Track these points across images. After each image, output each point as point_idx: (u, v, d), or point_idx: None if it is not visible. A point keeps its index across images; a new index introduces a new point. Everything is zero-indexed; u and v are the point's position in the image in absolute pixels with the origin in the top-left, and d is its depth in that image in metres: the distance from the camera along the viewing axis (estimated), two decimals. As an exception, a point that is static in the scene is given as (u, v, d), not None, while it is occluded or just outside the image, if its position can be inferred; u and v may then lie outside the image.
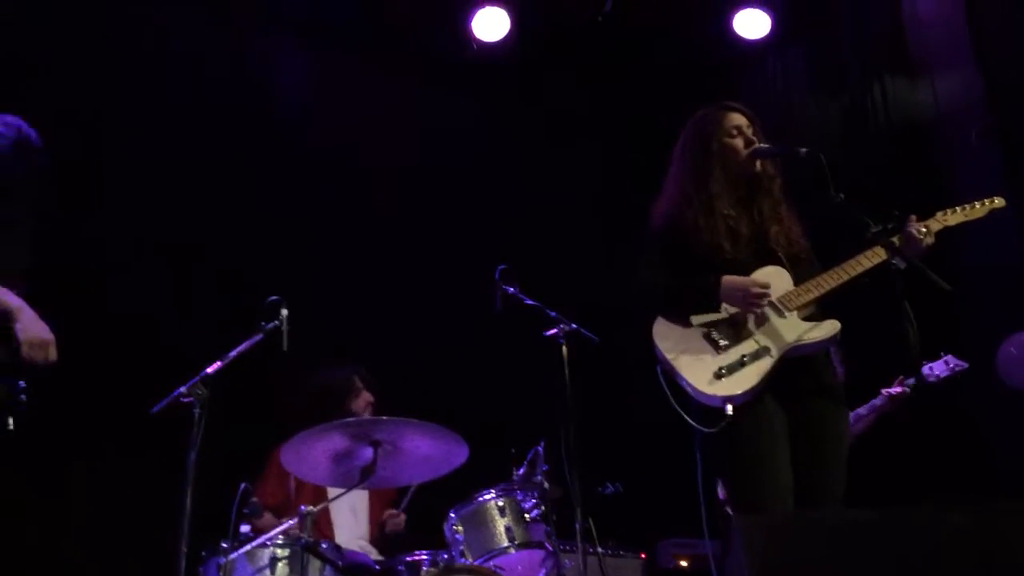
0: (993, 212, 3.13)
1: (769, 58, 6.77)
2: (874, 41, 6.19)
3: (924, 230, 2.94)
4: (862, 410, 4.66)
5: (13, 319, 2.93)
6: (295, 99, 6.21)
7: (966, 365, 4.54)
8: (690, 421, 2.86)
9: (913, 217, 2.96)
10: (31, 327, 2.95)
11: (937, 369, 4.51)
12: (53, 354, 3.06)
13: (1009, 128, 5.31)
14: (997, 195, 3.16)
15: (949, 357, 4.54)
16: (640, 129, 6.64)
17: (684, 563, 5.32)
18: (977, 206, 3.12)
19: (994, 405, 5.04)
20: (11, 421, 2.99)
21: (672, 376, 2.91)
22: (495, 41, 6.51)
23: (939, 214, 3.08)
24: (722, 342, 2.90)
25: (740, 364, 2.84)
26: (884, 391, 4.65)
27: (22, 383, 3.08)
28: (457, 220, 6.32)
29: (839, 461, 2.87)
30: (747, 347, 2.88)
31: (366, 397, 4.58)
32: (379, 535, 4.52)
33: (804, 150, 2.94)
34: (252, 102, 6.01)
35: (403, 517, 4.46)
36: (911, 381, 4.56)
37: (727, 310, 2.94)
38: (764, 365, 2.83)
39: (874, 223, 2.80)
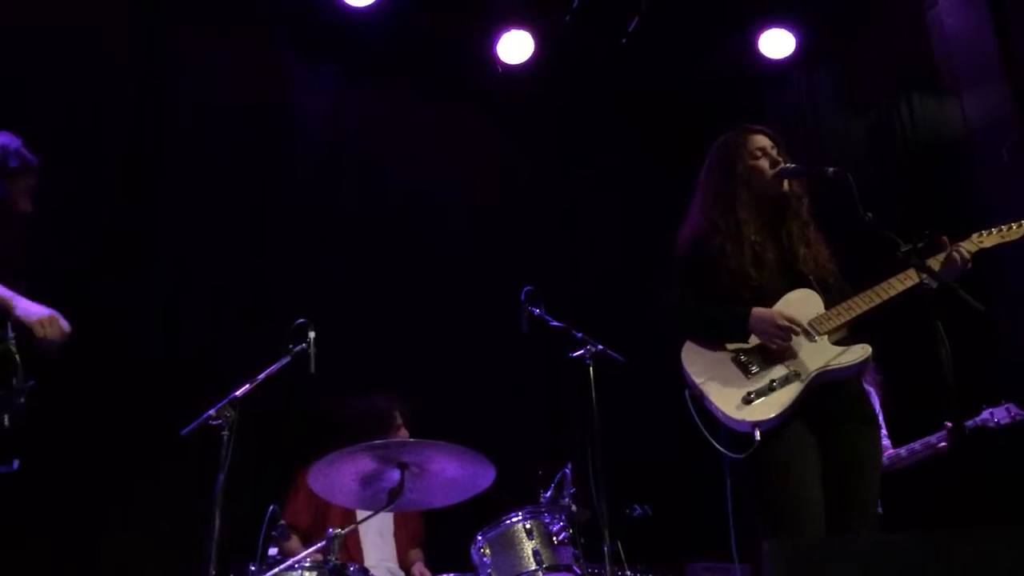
0: None
1: (794, 77, 6.76)
2: (901, 58, 6.16)
3: (967, 254, 2.90)
4: (916, 445, 4.59)
5: (11, 309, 2.97)
6: (324, 122, 6.25)
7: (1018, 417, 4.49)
8: (717, 447, 2.84)
9: (946, 239, 2.93)
10: (32, 309, 2.99)
11: (998, 415, 4.47)
12: (65, 325, 3.10)
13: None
14: (1029, 214, 3.12)
15: (1011, 405, 4.48)
16: (666, 149, 6.64)
17: (714, 586, 5.27)
18: (1014, 227, 3.07)
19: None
20: (6, 418, 2.99)
21: (701, 401, 2.89)
22: (520, 63, 6.55)
23: (975, 236, 3.04)
24: (752, 367, 2.88)
25: (769, 389, 2.81)
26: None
27: (31, 382, 3.10)
28: (483, 241, 6.33)
29: (872, 484, 2.84)
30: (777, 372, 2.85)
31: (403, 434, 4.56)
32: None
33: (832, 169, 2.91)
34: (281, 126, 6.07)
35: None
36: (970, 424, 4.51)
37: (755, 339, 2.92)
38: (793, 390, 2.81)
39: (904, 243, 2.77)
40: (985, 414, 4.48)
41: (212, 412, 3.30)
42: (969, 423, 4.52)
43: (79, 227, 5.14)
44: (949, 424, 4.49)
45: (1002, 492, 4.60)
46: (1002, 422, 4.45)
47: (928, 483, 4.56)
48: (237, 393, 3.37)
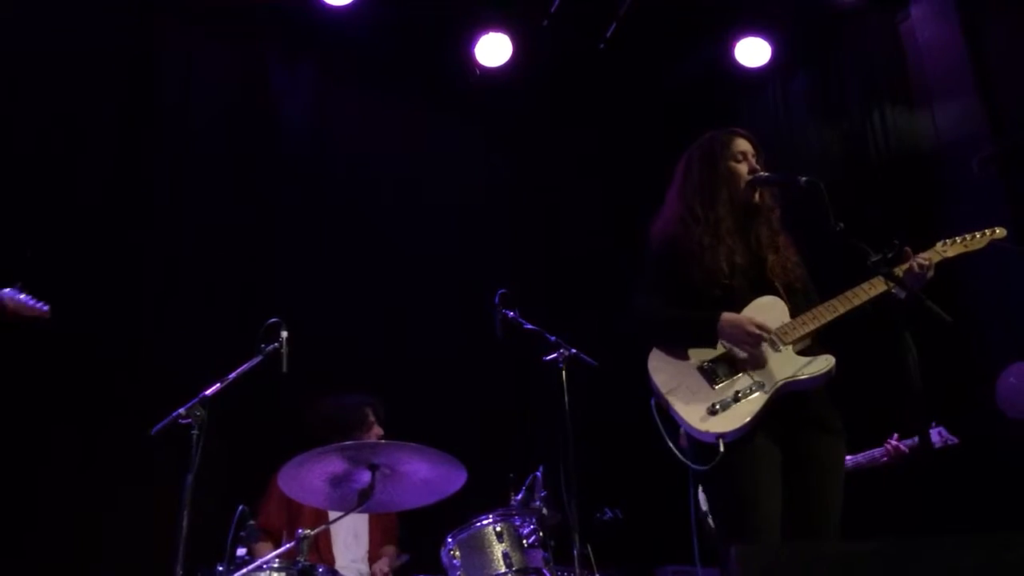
0: (994, 242, 3.11)
1: (770, 86, 6.81)
2: (874, 69, 6.22)
3: (927, 263, 2.92)
4: (860, 458, 4.65)
5: None
6: (301, 123, 6.24)
7: (957, 441, 4.55)
8: (680, 457, 2.86)
9: (908, 250, 2.95)
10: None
11: (932, 439, 4.54)
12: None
13: (1011, 157, 5.32)
14: (998, 224, 3.15)
15: (942, 429, 4.56)
16: (641, 155, 6.67)
17: (682, 590, 5.29)
18: (977, 236, 3.08)
19: (1000, 436, 5.03)
20: None
21: (667, 410, 2.91)
22: (498, 66, 6.56)
23: (939, 245, 3.06)
24: (717, 377, 2.89)
25: (734, 400, 2.82)
26: (889, 444, 4.64)
27: None
28: (458, 243, 6.34)
29: (835, 492, 2.85)
30: (742, 383, 2.86)
31: (377, 432, 4.54)
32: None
33: (804, 179, 2.92)
34: (257, 125, 6.05)
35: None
36: (910, 442, 4.58)
37: (724, 345, 2.93)
38: (758, 402, 2.81)
39: (873, 252, 2.79)
40: (892, 443, 4.61)
41: (182, 411, 3.28)
42: (909, 442, 4.59)
43: (57, 225, 5.11)
44: (912, 438, 4.58)
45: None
46: (936, 446, 4.53)
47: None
48: (207, 392, 3.35)
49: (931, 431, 4.54)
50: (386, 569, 4.38)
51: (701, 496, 4.50)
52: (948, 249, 3.05)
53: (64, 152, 5.27)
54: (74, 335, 4.95)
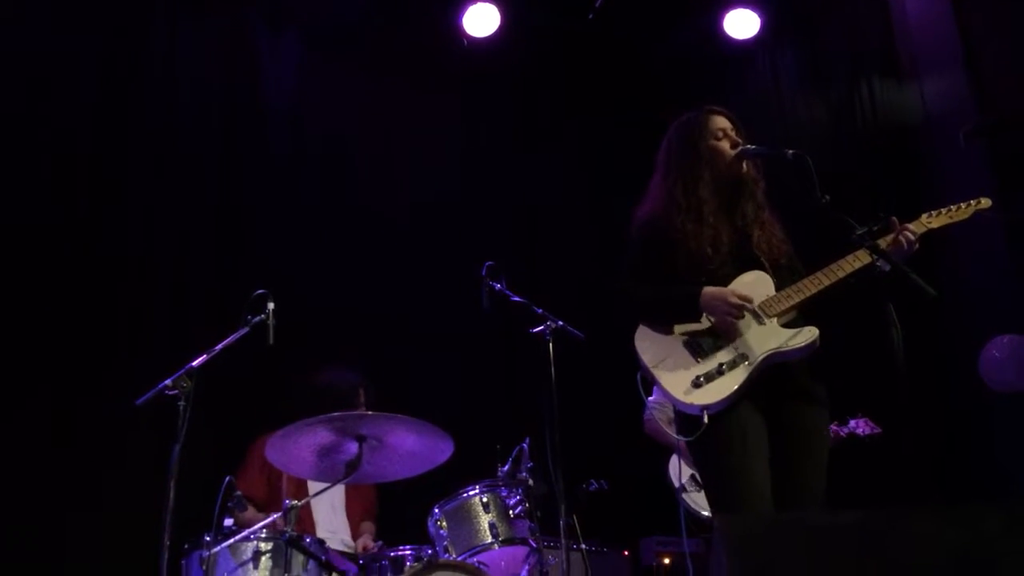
0: (979, 213, 3.11)
1: (759, 57, 6.79)
2: (863, 42, 6.21)
3: (912, 236, 2.93)
4: None
5: None
6: (285, 93, 6.19)
7: (880, 431, 4.64)
8: (666, 430, 2.90)
9: (895, 220, 2.95)
10: None
11: (860, 428, 4.64)
12: None
13: (997, 131, 5.33)
14: (983, 197, 3.15)
15: (867, 419, 4.66)
16: (630, 126, 6.65)
17: (667, 560, 5.33)
18: (963, 207, 3.08)
19: (981, 409, 5.08)
20: None
21: (652, 384, 2.93)
22: (485, 37, 6.52)
23: (924, 216, 3.06)
24: (702, 350, 2.91)
25: (718, 372, 2.85)
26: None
27: None
28: (445, 215, 6.32)
29: (819, 462, 2.88)
30: (725, 355, 2.88)
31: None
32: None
33: (791, 152, 2.92)
34: (240, 96, 6.00)
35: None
36: (846, 428, 4.65)
37: (708, 319, 2.95)
38: (742, 374, 2.84)
39: (859, 225, 2.79)
40: (852, 424, 4.67)
41: (168, 382, 3.27)
42: (843, 431, 4.64)
43: (39, 198, 5.09)
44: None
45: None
46: (864, 433, 4.59)
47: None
48: (194, 363, 3.35)
49: (859, 420, 4.62)
50: (370, 543, 4.40)
51: (673, 470, 4.53)
52: (933, 220, 3.05)
53: (44, 127, 5.23)
54: (58, 306, 4.94)
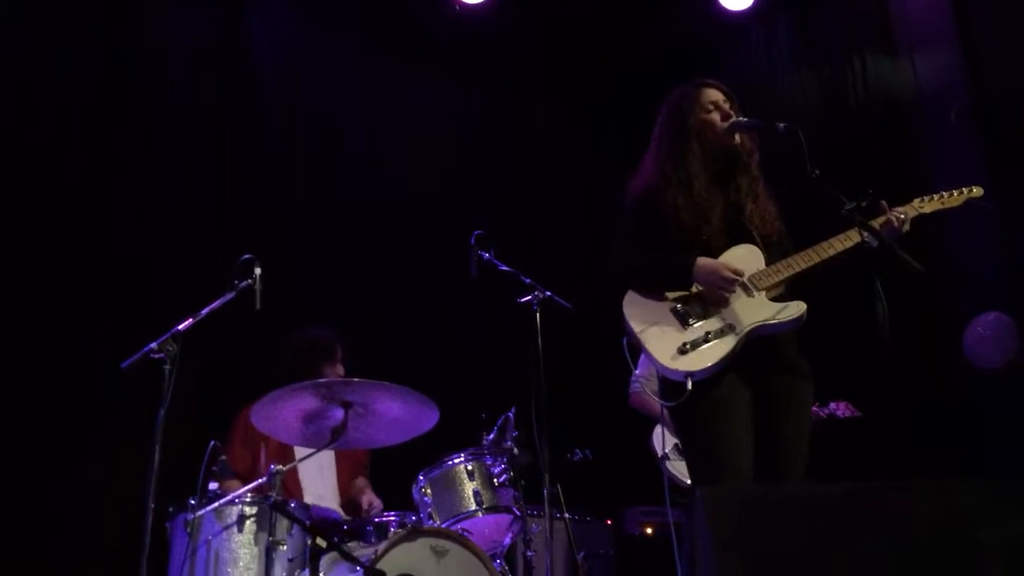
0: (971, 201, 3.12)
1: (753, 31, 6.75)
2: (857, 17, 6.18)
3: (903, 217, 2.94)
4: None
5: None
6: (281, 63, 6.15)
7: (860, 414, 4.69)
8: (650, 395, 2.92)
9: (884, 203, 2.96)
10: None
11: (840, 411, 4.68)
12: None
13: (989, 109, 5.33)
14: (973, 178, 3.17)
15: (846, 403, 4.69)
16: (622, 98, 6.62)
17: (650, 530, 5.38)
18: (955, 194, 3.10)
19: (965, 385, 5.12)
20: None
21: (638, 349, 2.93)
22: (477, 3, 6.46)
23: (916, 201, 3.07)
24: (690, 318, 2.92)
25: (704, 340, 2.86)
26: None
27: None
28: (435, 184, 6.29)
29: (801, 435, 2.91)
30: (713, 324, 2.90)
31: (339, 371, 4.54)
32: (349, 506, 4.51)
33: (783, 124, 2.92)
34: (233, 64, 5.96)
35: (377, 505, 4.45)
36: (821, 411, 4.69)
37: (698, 288, 2.96)
38: (728, 343, 2.85)
39: (848, 200, 2.80)
40: (832, 406, 4.71)
41: (154, 345, 3.26)
42: (823, 412, 4.68)
43: (33, 167, 5.05)
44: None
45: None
46: (843, 415, 4.63)
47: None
48: (180, 327, 3.33)
49: (833, 405, 4.65)
50: (375, 500, 4.40)
51: (656, 439, 4.56)
52: (925, 205, 3.07)
53: (36, 92, 5.19)
54: (46, 267, 4.92)
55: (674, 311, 2.94)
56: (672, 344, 2.86)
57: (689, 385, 2.78)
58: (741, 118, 3.10)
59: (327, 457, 4.51)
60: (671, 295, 2.97)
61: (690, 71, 3.36)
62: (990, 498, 1.86)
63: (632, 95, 6.23)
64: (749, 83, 6.36)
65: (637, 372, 3.19)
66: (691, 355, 2.84)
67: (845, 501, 1.92)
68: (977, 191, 3.11)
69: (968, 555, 1.81)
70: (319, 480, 4.46)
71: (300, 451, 4.02)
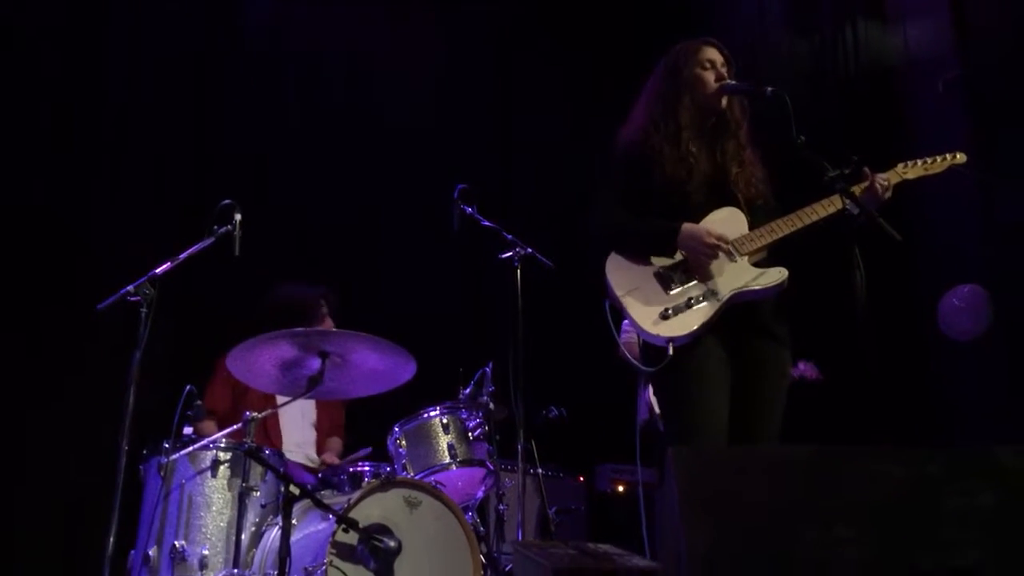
0: (953, 167, 3.12)
1: (746, -7, 6.69)
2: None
3: (886, 183, 2.95)
4: None
5: None
6: (259, 10, 6.06)
7: (821, 377, 4.71)
8: (630, 359, 2.93)
9: (868, 170, 2.96)
10: None
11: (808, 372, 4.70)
12: None
13: (977, 79, 5.31)
14: (958, 147, 3.16)
15: (811, 364, 4.71)
16: (612, 59, 6.56)
17: (621, 488, 5.44)
18: (938, 160, 3.09)
19: (941, 356, 5.16)
20: None
21: (620, 312, 2.94)
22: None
23: (899, 167, 3.07)
24: (672, 283, 2.92)
25: (686, 306, 2.87)
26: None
27: None
28: (421, 137, 6.24)
29: (777, 400, 2.93)
30: (695, 290, 2.90)
31: (328, 324, 4.53)
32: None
33: (770, 89, 2.91)
34: (216, 10, 5.88)
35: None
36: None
37: (681, 253, 2.96)
38: (709, 309, 2.86)
39: (832, 167, 2.80)
40: (801, 367, 4.71)
41: (131, 288, 3.24)
42: (795, 372, 4.71)
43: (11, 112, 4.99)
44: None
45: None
46: (812, 377, 4.68)
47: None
48: (157, 271, 3.31)
49: (803, 365, 4.69)
50: (335, 459, 4.44)
51: (652, 399, 4.58)
52: (908, 171, 3.07)
53: (19, 40, 5.11)
54: (23, 210, 4.87)
55: (657, 275, 2.94)
56: (654, 309, 2.87)
57: (671, 351, 2.79)
58: (730, 81, 3.09)
59: (308, 409, 4.53)
60: (653, 260, 2.97)
61: (681, 30, 3.33)
62: (958, 468, 1.88)
63: (621, 56, 6.18)
64: (742, 45, 6.31)
65: (626, 323, 3.21)
66: (673, 320, 2.84)
67: (813, 464, 1.94)
68: (960, 157, 3.11)
69: (935, 524, 1.83)
70: (300, 429, 4.48)
71: (281, 400, 4.03)
